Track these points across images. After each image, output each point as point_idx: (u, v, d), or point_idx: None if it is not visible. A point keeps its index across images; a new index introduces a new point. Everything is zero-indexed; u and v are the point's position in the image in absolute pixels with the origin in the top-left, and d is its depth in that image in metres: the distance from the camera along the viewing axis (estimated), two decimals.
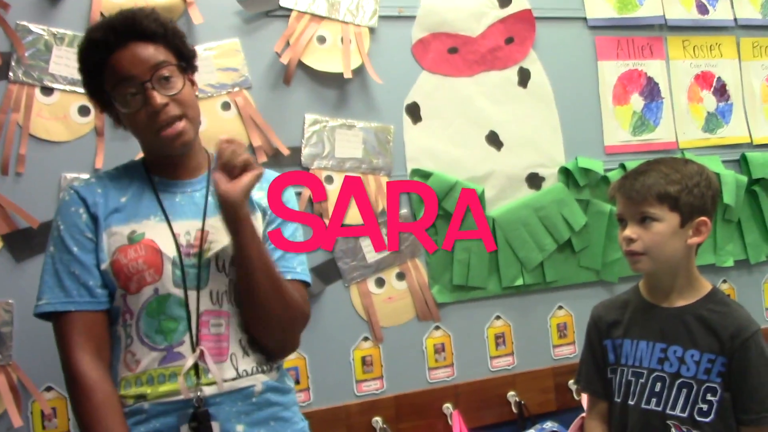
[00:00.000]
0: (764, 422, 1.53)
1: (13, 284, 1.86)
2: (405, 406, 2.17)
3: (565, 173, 2.41)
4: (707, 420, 1.55)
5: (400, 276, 2.22)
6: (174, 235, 1.47)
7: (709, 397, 1.56)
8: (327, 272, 2.14)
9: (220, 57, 2.07)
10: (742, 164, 2.64)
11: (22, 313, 1.84)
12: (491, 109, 2.35)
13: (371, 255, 2.18)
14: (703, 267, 2.55)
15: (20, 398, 1.84)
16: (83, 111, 1.96)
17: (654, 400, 1.61)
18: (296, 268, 1.57)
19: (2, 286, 1.85)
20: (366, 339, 2.18)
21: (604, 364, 1.72)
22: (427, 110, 2.28)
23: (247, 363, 1.47)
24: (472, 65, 2.34)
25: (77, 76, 1.90)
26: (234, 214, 1.42)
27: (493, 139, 2.35)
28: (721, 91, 2.67)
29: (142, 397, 1.41)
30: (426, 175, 2.24)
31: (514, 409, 2.25)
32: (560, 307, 2.39)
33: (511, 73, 2.39)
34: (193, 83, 1.55)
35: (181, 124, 1.45)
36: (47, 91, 1.93)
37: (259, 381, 1.48)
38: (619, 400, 1.67)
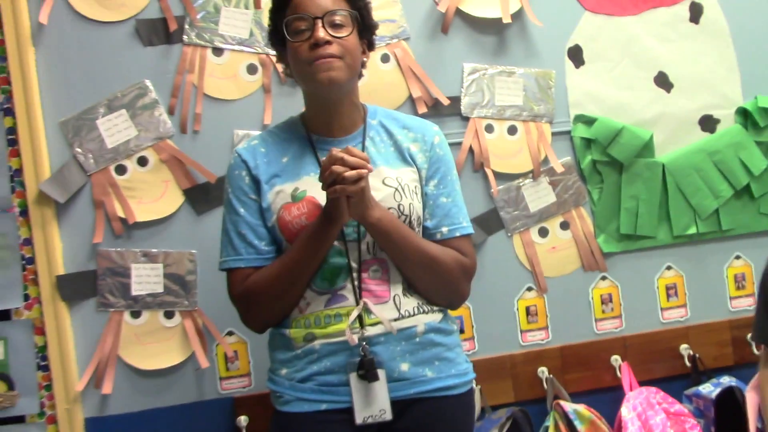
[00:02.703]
0: None
1: (195, 236, 1.99)
2: (571, 357, 2.13)
3: (743, 114, 2.24)
4: None
5: (564, 225, 2.16)
6: None
7: None
8: (489, 222, 2.12)
9: (379, 9, 2.06)
10: None
11: (204, 262, 1.97)
12: (660, 48, 2.22)
13: (534, 204, 2.14)
14: None
15: (206, 342, 1.98)
16: (251, 69, 2.03)
17: None
18: (462, 222, 1.59)
19: (186, 237, 1.98)
20: (530, 289, 2.15)
21: None
22: (590, 53, 2.18)
23: (408, 303, 1.52)
24: (638, 3, 2.21)
25: (245, 35, 2.02)
26: (364, 224, 1.48)
27: (663, 81, 2.22)
28: None
29: (311, 336, 1.49)
30: (590, 120, 2.16)
31: (687, 363, 2.16)
32: (738, 257, 2.25)
33: (682, 9, 2.24)
34: (364, 52, 1.59)
35: (335, 61, 1.49)
36: (218, 51, 2.02)
37: (421, 322, 1.51)
38: None
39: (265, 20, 1.99)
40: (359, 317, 1.48)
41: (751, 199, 2.23)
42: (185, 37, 2.00)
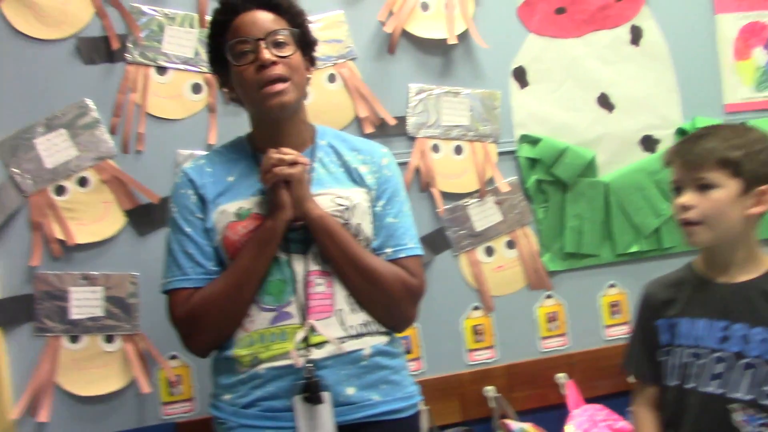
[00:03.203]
0: None
1: (137, 257, 1.95)
2: (517, 376, 2.15)
3: (683, 134, 2.28)
4: None
5: (510, 244, 2.18)
6: None
7: None
8: (436, 241, 2.13)
9: (325, 29, 2.07)
10: None
11: (147, 284, 1.92)
12: (602, 70, 2.26)
13: (480, 223, 2.15)
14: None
15: (148, 366, 1.94)
16: (196, 89, 2.01)
17: (714, 382, 1.49)
18: (408, 244, 1.59)
19: (128, 259, 1.94)
20: (476, 308, 2.16)
21: (655, 345, 1.61)
22: (534, 74, 2.22)
23: (353, 319, 1.50)
24: (580, 25, 2.25)
25: (189, 54, 2.00)
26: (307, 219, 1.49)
27: (605, 102, 2.26)
28: None
29: (256, 359, 1.46)
30: (535, 140, 2.18)
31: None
32: None
33: (623, 32, 2.29)
34: (307, 68, 1.59)
35: (283, 85, 1.49)
36: (162, 70, 1.99)
37: (368, 345, 1.50)
38: (674, 384, 1.55)
39: None
40: (305, 337, 1.47)
41: None
42: (128, 56, 1.97)
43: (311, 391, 1.44)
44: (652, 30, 2.31)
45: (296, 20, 1.57)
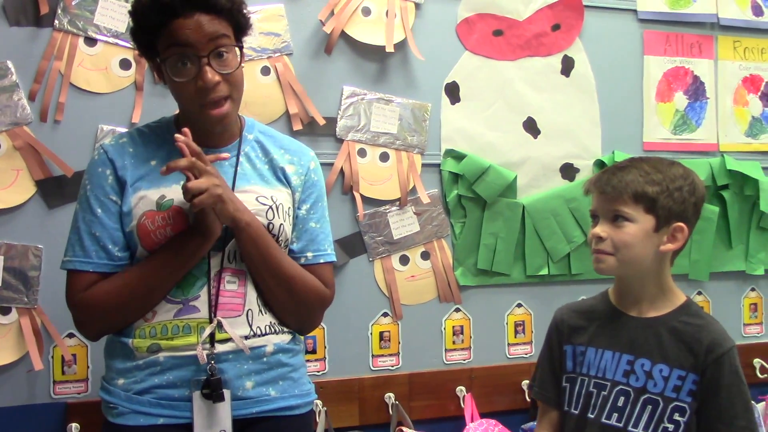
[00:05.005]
0: None
1: (44, 230, 1.88)
2: (418, 385, 2.17)
3: (601, 166, 2.37)
4: None
5: (425, 255, 2.21)
6: None
7: (676, 416, 1.44)
8: (352, 245, 2.14)
9: (264, 21, 2.06)
10: None
11: (51, 259, 1.87)
12: (531, 95, 2.32)
13: (398, 231, 2.18)
14: (732, 273, 2.52)
15: (42, 342, 1.88)
16: (124, 64, 1.97)
17: (615, 415, 1.49)
18: (327, 249, 1.60)
19: (33, 231, 1.88)
20: (385, 315, 2.18)
21: (561, 370, 1.61)
22: (466, 91, 2.26)
23: (261, 321, 1.49)
24: (515, 49, 2.31)
25: (121, 29, 1.95)
26: (234, 227, 1.45)
27: (531, 126, 2.32)
28: None
29: (156, 347, 1.43)
30: (460, 156, 2.22)
31: (527, 398, 2.24)
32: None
33: (555, 61, 2.35)
34: (241, 56, 1.52)
35: (226, 106, 1.44)
36: (91, 41, 1.94)
37: (271, 342, 1.50)
38: (576, 412, 1.55)
39: None
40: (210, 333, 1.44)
41: None
42: (56, 22, 1.91)
43: (212, 389, 1.41)
44: (583, 62, 2.38)
45: (236, 17, 1.48)
